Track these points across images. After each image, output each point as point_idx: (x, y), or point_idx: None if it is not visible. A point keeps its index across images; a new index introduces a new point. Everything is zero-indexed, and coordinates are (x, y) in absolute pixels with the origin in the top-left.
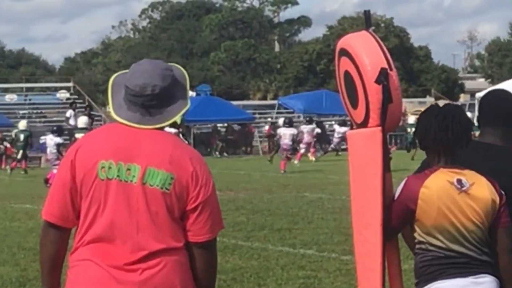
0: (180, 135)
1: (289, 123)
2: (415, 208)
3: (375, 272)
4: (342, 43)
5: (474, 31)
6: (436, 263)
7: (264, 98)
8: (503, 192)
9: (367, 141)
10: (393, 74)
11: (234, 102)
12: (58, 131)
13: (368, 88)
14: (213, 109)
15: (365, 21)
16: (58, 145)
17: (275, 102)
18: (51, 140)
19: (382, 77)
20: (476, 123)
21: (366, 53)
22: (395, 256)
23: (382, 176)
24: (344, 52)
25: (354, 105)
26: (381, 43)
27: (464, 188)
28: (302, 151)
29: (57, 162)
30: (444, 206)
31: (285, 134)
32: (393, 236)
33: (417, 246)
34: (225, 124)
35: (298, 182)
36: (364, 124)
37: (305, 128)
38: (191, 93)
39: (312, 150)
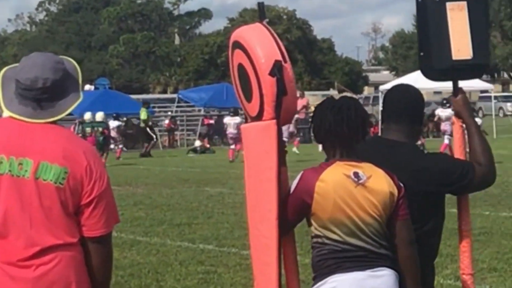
0: (148, 129)
1: (234, 112)
2: (311, 202)
3: (271, 267)
4: (236, 35)
5: (378, 23)
6: (332, 257)
7: (164, 91)
8: (402, 185)
9: (262, 134)
10: (288, 67)
11: (134, 96)
12: None
13: (262, 80)
14: (112, 103)
15: (259, 13)
16: None
17: (175, 95)
18: None
19: (276, 70)
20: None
21: (260, 45)
22: (291, 251)
23: (277, 170)
24: (237, 45)
25: (248, 98)
26: (275, 35)
27: (360, 181)
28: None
29: None
30: (340, 199)
31: (230, 123)
32: (289, 230)
33: (314, 240)
34: (124, 118)
35: (199, 177)
36: (259, 117)
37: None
38: (90, 87)
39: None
